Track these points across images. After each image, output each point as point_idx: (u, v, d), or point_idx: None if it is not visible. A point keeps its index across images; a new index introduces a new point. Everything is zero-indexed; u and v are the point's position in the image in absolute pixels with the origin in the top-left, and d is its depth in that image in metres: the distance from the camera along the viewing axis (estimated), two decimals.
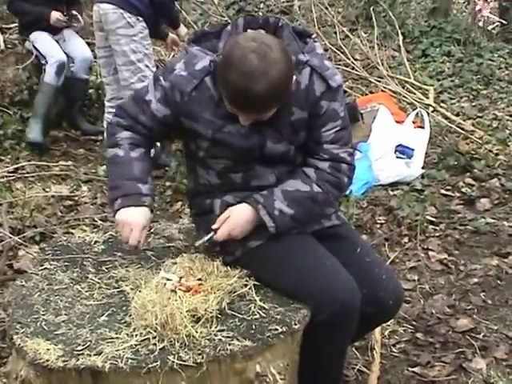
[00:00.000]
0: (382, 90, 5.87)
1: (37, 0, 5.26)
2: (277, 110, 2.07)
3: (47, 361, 1.83)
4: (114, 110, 5.14)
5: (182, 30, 4.84)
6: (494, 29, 8.65)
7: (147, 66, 4.59)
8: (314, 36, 2.20)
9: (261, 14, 8.20)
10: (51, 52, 5.25)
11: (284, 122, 2.14)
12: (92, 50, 5.41)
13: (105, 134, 4.91)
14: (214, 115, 2.13)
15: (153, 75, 2.25)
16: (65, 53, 5.29)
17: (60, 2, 5.36)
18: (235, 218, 2.17)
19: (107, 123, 2.38)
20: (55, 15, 5.27)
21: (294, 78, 2.06)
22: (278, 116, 2.09)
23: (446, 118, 5.49)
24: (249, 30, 2.12)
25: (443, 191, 4.43)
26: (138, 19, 4.51)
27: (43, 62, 5.29)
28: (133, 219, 2.18)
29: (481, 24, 7.90)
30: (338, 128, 2.18)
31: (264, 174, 2.22)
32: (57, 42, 5.34)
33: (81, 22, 5.40)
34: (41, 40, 5.32)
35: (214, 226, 2.18)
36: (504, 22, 8.28)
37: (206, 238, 2.20)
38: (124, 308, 2.06)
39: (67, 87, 5.43)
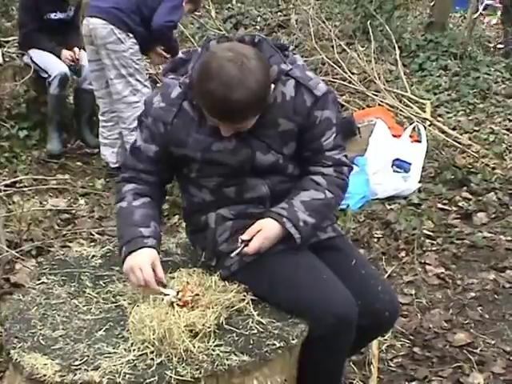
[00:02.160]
0: (379, 104, 5.88)
1: (33, 28, 5.29)
2: (262, 122, 2.09)
3: (44, 376, 1.82)
4: (107, 124, 5.16)
5: None
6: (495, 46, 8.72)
7: (138, 81, 4.59)
8: (290, 48, 2.24)
9: (258, 27, 8.23)
10: (52, 65, 5.25)
11: (271, 134, 2.16)
12: None
13: (100, 149, 4.96)
14: (199, 135, 2.15)
15: (137, 119, 2.27)
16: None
17: (57, 31, 5.36)
18: (266, 233, 2.14)
19: (115, 183, 2.36)
20: (66, 54, 5.29)
21: (280, 89, 2.11)
22: (263, 128, 2.11)
23: (443, 132, 5.50)
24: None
25: (440, 205, 4.44)
26: (128, 35, 4.52)
27: (45, 76, 5.29)
28: (136, 261, 2.10)
29: None
30: (335, 134, 2.22)
31: (256, 185, 2.22)
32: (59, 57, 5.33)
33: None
34: (40, 54, 5.32)
35: (243, 237, 2.14)
36: None
37: (238, 250, 2.13)
38: (121, 323, 2.06)
39: (74, 98, 5.55)
